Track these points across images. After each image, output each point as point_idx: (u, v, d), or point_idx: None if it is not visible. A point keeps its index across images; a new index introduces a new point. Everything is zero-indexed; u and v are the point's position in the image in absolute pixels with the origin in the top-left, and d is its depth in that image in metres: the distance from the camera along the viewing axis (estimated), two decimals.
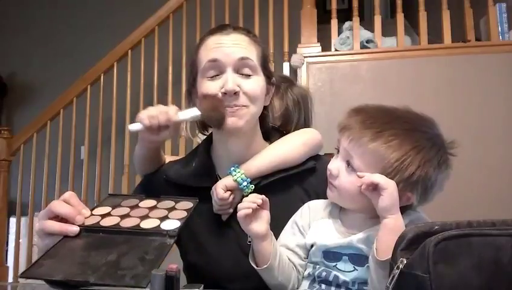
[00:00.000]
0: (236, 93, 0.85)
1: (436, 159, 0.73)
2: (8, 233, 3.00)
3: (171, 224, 0.73)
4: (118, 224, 0.75)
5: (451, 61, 2.39)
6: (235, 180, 0.88)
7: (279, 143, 0.96)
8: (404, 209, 0.74)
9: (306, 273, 0.80)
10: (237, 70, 0.87)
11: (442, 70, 2.39)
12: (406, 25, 2.61)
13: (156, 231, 0.72)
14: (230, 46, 0.87)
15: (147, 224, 0.74)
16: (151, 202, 0.82)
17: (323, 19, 2.81)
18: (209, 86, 0.87)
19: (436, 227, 0.56)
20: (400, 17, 2.51)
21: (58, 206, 0.75)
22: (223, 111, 0.84)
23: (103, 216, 0.77)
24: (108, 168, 2.84)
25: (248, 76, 0.88)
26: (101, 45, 3.14)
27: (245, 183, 0.88)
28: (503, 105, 2.30)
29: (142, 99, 2.84)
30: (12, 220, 3.01)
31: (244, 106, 0.87)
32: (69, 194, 0.77)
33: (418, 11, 2.51)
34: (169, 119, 0.84)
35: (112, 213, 0.79)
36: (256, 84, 0.88)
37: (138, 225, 0.74)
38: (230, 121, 0.86)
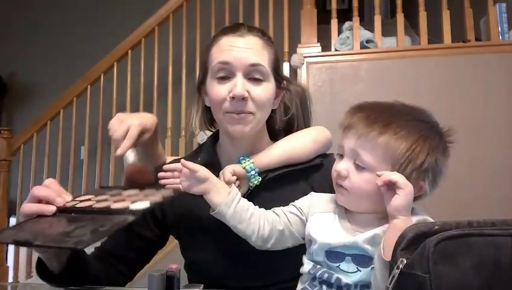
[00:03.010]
0: (244, 99, 0.85)
1: (441, 146, 0.75)
2: None
3: (141, 204, 0.75)
4: (90, 206, 0.79)
5: (451, 61, 2.39)
6: (244, 168, 0.88)
7: (290, 139, 0.97)
8: (416, 200, 0.75)
9: (305, 270, 0.79)
10: (247, 75, 0.87)
11: (442, 70, 2.38)
12: (406, 25, 2.61)
13: (121, 211, 0.75)
14: (242, 50, 0.87)
15: (117, 205, 0.77)
16: (133, 191, 0.84)
17: (323, 19, 2.80)
18: (218, 89, 0.87)
19: (436, 227, 0.56)
20: (400, 17, 2.50)
21: (39, 190, 0.79)
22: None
23: (82, 201, 0.81)
24: (108, 168, 2.84)
25: (258, 81, 0.88)
26: (101, 45, 3.14)
27: (253, 173, 0.89)
28: (503, 105, 2.30)
29: (142, 99, 2.84)
30: (12, 220, 3.02)
31: (251, 112, 0.87)
32: (49, 181, 0.82)
33: (418, 11, 2.51)
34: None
35: (91, 199, 0.82)
36: (265, 91, 0.88)
37: (108, 207, 0.77)
38: (236, 128, 0.87)
